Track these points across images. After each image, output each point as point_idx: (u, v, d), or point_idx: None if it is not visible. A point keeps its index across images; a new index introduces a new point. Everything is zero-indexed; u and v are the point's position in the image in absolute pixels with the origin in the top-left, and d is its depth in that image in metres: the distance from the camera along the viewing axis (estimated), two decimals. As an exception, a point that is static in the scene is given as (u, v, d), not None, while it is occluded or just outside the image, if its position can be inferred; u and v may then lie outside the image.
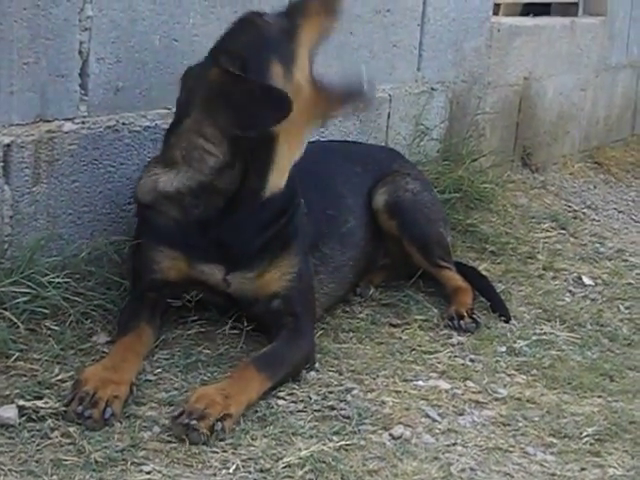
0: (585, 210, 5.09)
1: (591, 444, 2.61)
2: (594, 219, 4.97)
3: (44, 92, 2.83)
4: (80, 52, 2.92)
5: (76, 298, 2.82)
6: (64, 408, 2.39)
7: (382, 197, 3.49)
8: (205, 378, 2.70)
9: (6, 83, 2.73)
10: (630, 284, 4.00)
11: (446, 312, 3.39)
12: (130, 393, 2.50)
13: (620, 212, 5.21)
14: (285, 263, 2.91)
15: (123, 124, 3.07)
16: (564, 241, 4.48)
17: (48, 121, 2.87)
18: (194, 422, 2.37)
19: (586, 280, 3.98)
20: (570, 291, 3.85)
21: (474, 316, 3.35)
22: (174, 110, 3.12)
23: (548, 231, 4.55)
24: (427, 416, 2.66)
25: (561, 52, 5.47)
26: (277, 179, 2.85)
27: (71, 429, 2.33)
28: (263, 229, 2.88)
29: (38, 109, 2.83)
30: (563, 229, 4.63)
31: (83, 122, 2.96)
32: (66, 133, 2.91)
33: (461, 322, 3.30)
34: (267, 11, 3.02)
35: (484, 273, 3.74)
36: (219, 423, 2.40)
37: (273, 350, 2.77)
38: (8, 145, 2.76)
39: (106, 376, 2.47)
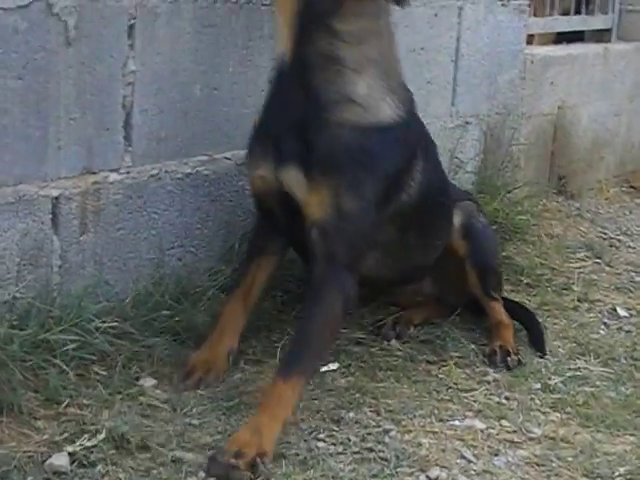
0: (620, 237, 5.13)
1: (623, 484, 2.69)
2: (629, 246, 5.01)
3: (90, 145, 2.95)
4: (124, 105, 3.03)
5: (122, 342, 2.93)
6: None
7: (458, 217, 3.54)
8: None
9: (54, 138, 2.85)
10: (665, 314, 4.05)
11: (489, 347, 3.46)
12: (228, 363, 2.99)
13: (656, 238, 5.25)
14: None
15: (166, 172, 3.18)
16: (599, 271, 4.53)
17: (94, 173, 2.98)
18: (233, 460, 2.48)
19: (621, 311, 4.03)
20: (605, 323, 3.91)
21: (518, 352, 3.43)
22: (214, 156, 3.25)
23: (583, 260, 4.61)
24: (463, 457, 2.73)
25: (594, 79, 5.53)
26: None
27: (121, 475, 2.44)
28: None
29: (84, 161, 2.95)
30: (598, 258, 4.68)
31: (128, 172, 3.07)
32: (111, 183, 3.03)
33: (508, 359, 3.38)
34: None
35: (522, 303, 3.83)
36: (258, 459, 2.50)
37: (297, 339, 2.83)
38: (57, 198, 2.88)
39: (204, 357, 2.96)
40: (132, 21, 3.01)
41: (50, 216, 2.88)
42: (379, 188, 2.91)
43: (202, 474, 2.51)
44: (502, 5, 4.66)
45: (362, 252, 2.96)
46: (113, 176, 3.03)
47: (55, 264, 2.91)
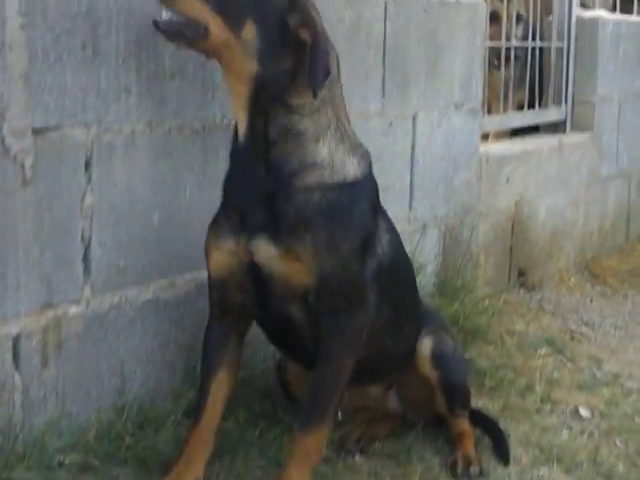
0: (582, 328, 5.20)
1: None
2: (591, 338, 5.08)
3: (49, 280, 2.99)
4: (82, 238, 3.08)
5: (86, 476, 2.94)
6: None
7: (428, 343, 3.51)
8: None
9: (13, 277, 2.88)
10: (626, 414, 4.08)
11: (450, 457, 3.48)
12: None
13: (617, 328, 5.31)
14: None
15: (126, 300, 3.22)
16: (561, 367, 4.58)
17: (54, 307, 3.02)
18: None
19: (583, 412, 4.07)
20: (568, 426, 3.95)
21: (480, 462, 3.46)
22: (175, 280, 3.30)
23: (545, 357, 4.66)
24: None
25: (551, 172, 5.64)
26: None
27: None
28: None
29: (44, 297, 2.98)
30: (560, 353, 4.74)
31: (88, 304, 3.11)
32: (72, 317, 3.06)
33: (470, 469, 3.41)
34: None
35: (484, 411, 3.86)
36: None
37: (311, 394, 2.99)
38: (17, 335, 2.91)
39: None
40: (89, 156, 3.06)
41: (11, 354, 2.90)
42: (357, 239, 3.01)
43: None
44: (456, 109, 4.77)
45: (364, 295, 3.03)
46: (73, 309, 3.07)
47: (17, 401, 2.93)
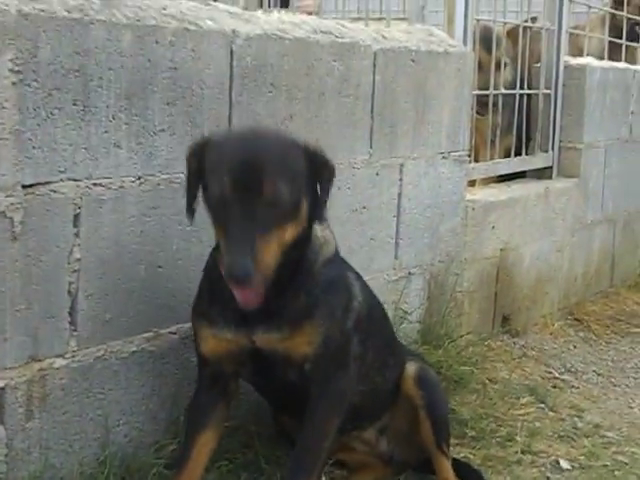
0: (565, 376, 5.24)
1: None
2: (573, 386, 5.11)
3: (36, 334, 3.02)
4: (69, 292, 3.11)
5: (68, 530, 2.97)
6: None
7: (413, 367, 3.66)
8: None
9: None
10: (606, 466, 4.11)
11: None
12: None
13: (599, 375, 5.35)
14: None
15: (111, 353, 3.25)
16: (543, 417, 4.61)
17: (40, 360, 3.04)
18: None
19: (563, 464, 4.11)
20: (548, 478, 3.98)
21: None
22: (159, 332, 3.34)
23: (527, 406, 4.69)
24: None
25: (536, 219, 5.69)
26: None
27: None
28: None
29: (30, 350, 3.01)
30: (542, 402, 4.77)
31: (73, 356, 3.13)
32: (57, 369, 3.08)
33: None
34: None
35: (464, 460, 3.89)
36: None
37: (298, 451, 3.10)
38: (2, 388, 2.93)
39: None
40: (77, 210, 3.10)
41: (-5, 407, 2.93)
42: (344, 301, 3.19)
43: None
44: (443, 158, 4.81)
45: (349, 359, 3.17)
46: (59, 361, 3.09)
47: (1, 453, 2.95)
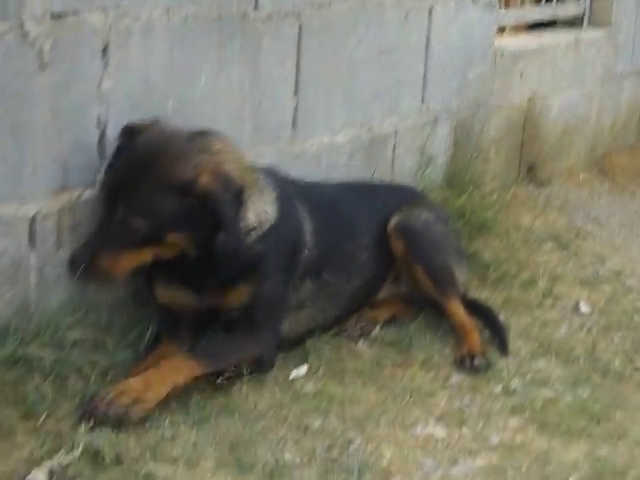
0: (588, 225, 5.25)
1: (574, 492, 2.84)
2: (596, 235, 5.13)
3: (66, 164, 3.05)
4: (98, 124, 3.13)
5: (98, 356, 3.04)
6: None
7: (394, 220, 3.76)
8: (220, 431, 2.92)
9: (31, 160, 2.94)
10: (625, 311, 4.17)
11: (458, 352, 3.59)
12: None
13: (622, 225, 5.36)
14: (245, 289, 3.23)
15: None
16: (565, 263, 4.65)
17: (70, 190, 3.08)
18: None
19: (583, 308, 4.16)
20: (568, 320, 4.04)
21: (486, 355, 3.57)
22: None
23: (550, 253, 4.73)
24: (422, 467, 2.87)
25: (565, 68, 5.63)
26: None
27: (97, 491, 2.57)
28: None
29: (60, 180, 3.05)
30: (565, 249, 4.80)
31: (102, 188, 3.18)
32: (86, 200, 3.13)
33: (474, 361, 3.51)
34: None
35: (487, 303, 3.96)
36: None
37: (213, 342, 3.19)
38: (33, 217, 2.98)
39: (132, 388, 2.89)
40: (106, 41, 3.09)
41: (27, 234, 2.98)
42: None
43: (176, 486, 2.64)
44: (472, 2, 4.74)
45: (279, 316, 3.34)
46: (88, 192, 3.13)
47: (32, 280, 3.02)
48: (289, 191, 3.41)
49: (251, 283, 3.23)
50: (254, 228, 3.19)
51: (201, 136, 3.12)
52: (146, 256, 3.06)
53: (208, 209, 2.99)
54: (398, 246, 3.73)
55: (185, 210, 3.00)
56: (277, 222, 3.26)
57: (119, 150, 3.09)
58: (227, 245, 3.05)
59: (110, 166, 3.09)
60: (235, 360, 3.14)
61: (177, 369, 2.99)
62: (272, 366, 3.26)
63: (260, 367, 3.21)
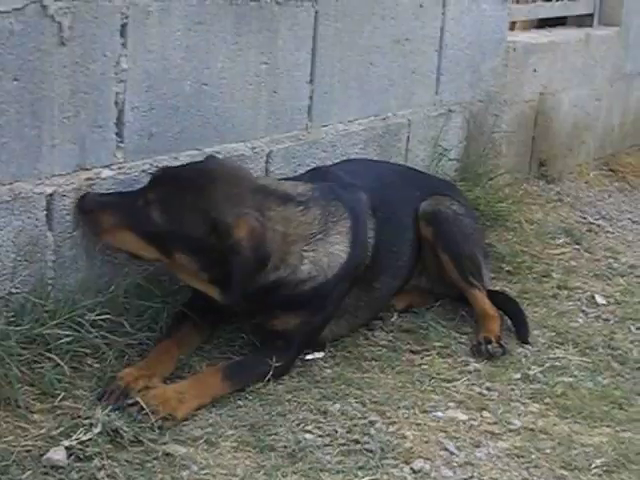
0: (600, 221, 5.23)
1: (599, 475, 2.78)
2: (608, 231, 5.11)
3: (83, 143, 3.01)
4: (116, 102, 3.09)
5: (115, 336, 3.01)
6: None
7: (424, 207, 3.72)
8: (239, 413, 2.88)
9: (48, 137, 2.91)
10: (641, 303, 4.16)
11: (475, 339, 3.55)
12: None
13: (634, 222, 5.34)
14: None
15: (156, 167, 3.24)
16: (578, 257, 4.63)
17: (87, 169, 3.05)
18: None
19: (599, 299, 4.13)
20: (583, 311, 4.00)
21: (501, 342, 3.52)
22: (204, 150, 3.34)
23: (563, 247, 4.70)
24: (445, 449, 2.83)
25: (576, 65, 5.61)
26: None
27: (117, 469, 2.52)
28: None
29: (78, 159, 3.01)
30: (578, 244, 4.78)
31: (119, 168, 3.14)
32: (104, 179, 3.09)
33: (488, 346, 3.47)
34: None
35: (506, 291, 3.94)
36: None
37: (245, 360, 3.14)
38: (51, 195, 2.95)
39: (140, 374, 2.85)
40: (125, 20, 3.06)
41: (44, 213, 2.94)
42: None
43: (194, 467, 2.59)
44: (485, -6, 4.73)
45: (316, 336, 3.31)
46: (105, 172, 3.10)
47: (49, 259, 2.98)
48: (360, 211, 3.38)
49: (303, 315, 3.20)
50: (309, 279, 3.16)
51: (266, 195, 3.11)
52: (147, 253, 3.05)
53: (227, 257, 2.96)
54: (427, 232, 3.69)
55: (205, 243, 2.98)
56: (349, 257, 3.25)
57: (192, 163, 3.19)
58: (227, 297, 3.04)
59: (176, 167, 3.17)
60: (261, 376, 3.07)
61: (208, 388, 2.93)
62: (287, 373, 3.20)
63: (276, 376, 3.12)
